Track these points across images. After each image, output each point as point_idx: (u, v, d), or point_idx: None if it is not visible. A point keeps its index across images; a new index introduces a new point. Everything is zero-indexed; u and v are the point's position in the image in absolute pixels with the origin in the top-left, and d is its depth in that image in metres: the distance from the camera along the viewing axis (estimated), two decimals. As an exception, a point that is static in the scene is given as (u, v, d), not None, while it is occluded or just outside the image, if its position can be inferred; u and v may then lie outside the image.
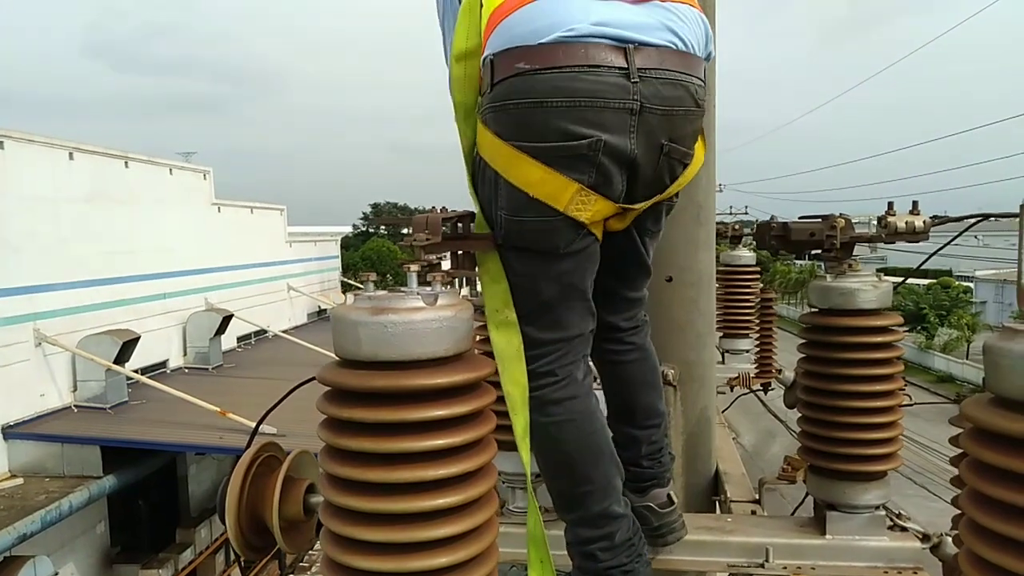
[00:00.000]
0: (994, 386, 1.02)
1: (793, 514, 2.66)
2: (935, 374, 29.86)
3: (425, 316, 1.08)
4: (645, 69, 1.37)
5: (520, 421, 1.50)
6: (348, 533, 1.11)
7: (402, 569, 1.08)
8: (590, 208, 1.46)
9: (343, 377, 1.10)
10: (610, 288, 1.74)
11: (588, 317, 1.62)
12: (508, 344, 1.52)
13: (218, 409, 9.31)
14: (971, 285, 37.55)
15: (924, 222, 2.00)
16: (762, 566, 2.02)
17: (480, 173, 1.53)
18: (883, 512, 2.03)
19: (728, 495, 2.62)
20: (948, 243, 2.28)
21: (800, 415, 2.12)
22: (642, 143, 1.41)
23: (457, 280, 1.50)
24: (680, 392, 2.79)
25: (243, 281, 15.10)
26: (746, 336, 4.52)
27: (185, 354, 13.02)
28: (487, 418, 1.18)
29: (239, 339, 14.98)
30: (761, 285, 4.39)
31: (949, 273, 38.98)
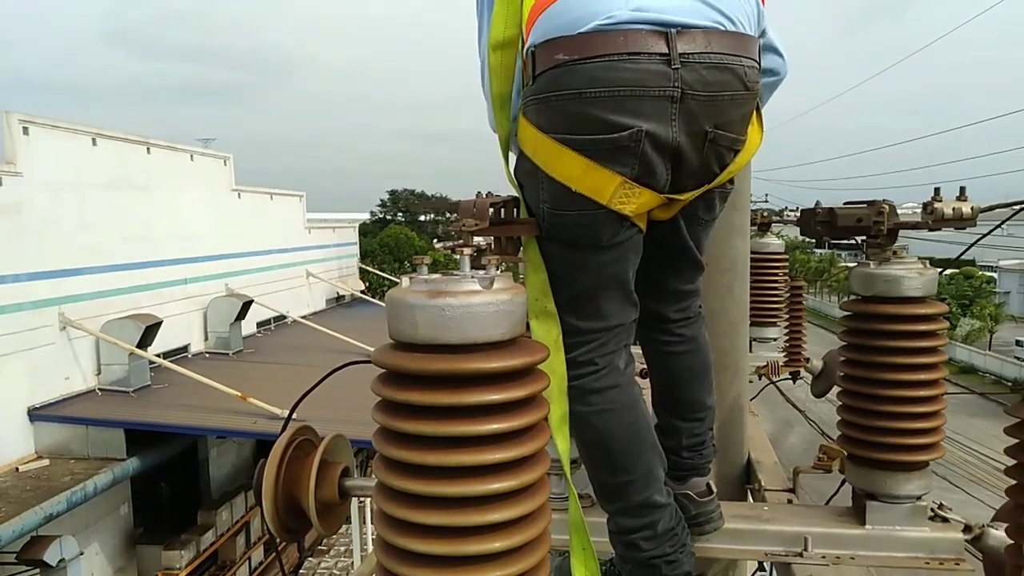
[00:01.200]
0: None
1: (827, 503, 2.64)
2: (957, 365, 29.58)
3: (483, 299, 1.07)
4: (688, 54, 1.33)
5: (556, 410, 1.50)
6: (403, 516, 1.11)
7: (457, 552, 1.08)
8: (634, 201, 1.44)
9: (400, 360, 1.10)
10: (658, 279, 1.72)
11: (629, 307, 1.60)
12: (547, 333, 1.52)
13: (239, 393, 9.39)
14: (995, 275, 37.11)
15: (972, 208, 1.96)
16: (800, 555, 2.00)
17: (521, 166, 1.51)
18: (924, 503, 2.00)
19: (762, 483, 2.60)
20: (993, 229, 2.24)
21: (840, 403, 2.09)
22: (684, 131, 1.37)
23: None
24: (715, 380, 2.77)
25: (263, 267, 15.19)
26: (775, 324, 4.48)
27: (206, 339, 13.13)
28: (541, 403, 1.17)
29: (259, 324, 15.09)
30: (791, 273, 4.34)
31: (972, 263, 38.51)
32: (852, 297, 2.05)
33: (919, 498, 1.99)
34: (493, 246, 1.56)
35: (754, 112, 1.52)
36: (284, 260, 16.25)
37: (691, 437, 1.86)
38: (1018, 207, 2.33)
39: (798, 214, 2.10)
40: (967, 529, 1.95)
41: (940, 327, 1.95)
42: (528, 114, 1.44)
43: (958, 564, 1.93)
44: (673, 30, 1.33)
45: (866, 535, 2.01)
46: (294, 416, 2.08)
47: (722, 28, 1.38)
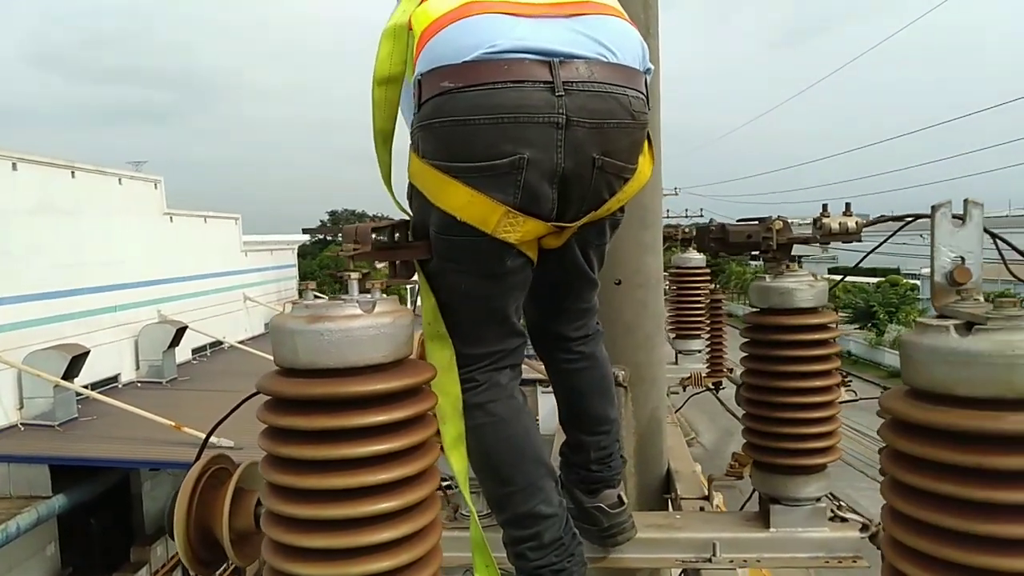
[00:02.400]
0: (909, 378, 1.07)
1: (742, 509, 2.72)
2: (885, 369, 30.68)
3: (362, 323, 1.09)
4: (572, 82, 1.36)
5: (450, 430, 1.53)
6: (290, 541, 1.11)
7: (344, 574, 1.09)
8: (519, 229, 1.45)
9: (281, 386, 1.11)
10: (555, 300, 1.75)
11: (511, 337, 1.64)
12: (441, 355, 1.55)
13: (173, 423, 9.10)
14: (918, 283, 38.72)
15: (856, 223, 2.07)
16: (709, 560, 2.06)
17: (411, 197, 1.54)
18: (824, 504, 2.09)
19: (679, 493, 2.67)
20: (883, 242, 2.36)
21: (744, 412, 2.17)
22: (571, 158, 1.39)
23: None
24: (631, 393, 2.83)
25: (197, 292, 14.82)
26: (698, 336, 4.60)
27: (138, 368, 12.72)
28: (427, 423, 1.19)
29: (194, 351, 14.69)
30: (712, 286, 4.48)
31: (897, 271, 40.13)
32: (751, 310, 2.14)
33: (819, 500, 2.08)
34: (388, 271, 1.58)
35: (644, 142, 1.56)
36: (220, 284, 15.89)
37: (598, 450, 1.90)
38: (907, 220, 2.47)
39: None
40: (864, 528, 2.05)
41: (831, 335, 2.05)
42: (415, 143, 1.47)
43: (855, 561, 2.02)
44: (556, 59, 1.36)
45: (770, 538, 2.08)
46: (216, 444, 2.05)
47: (605, 59, 1.42)
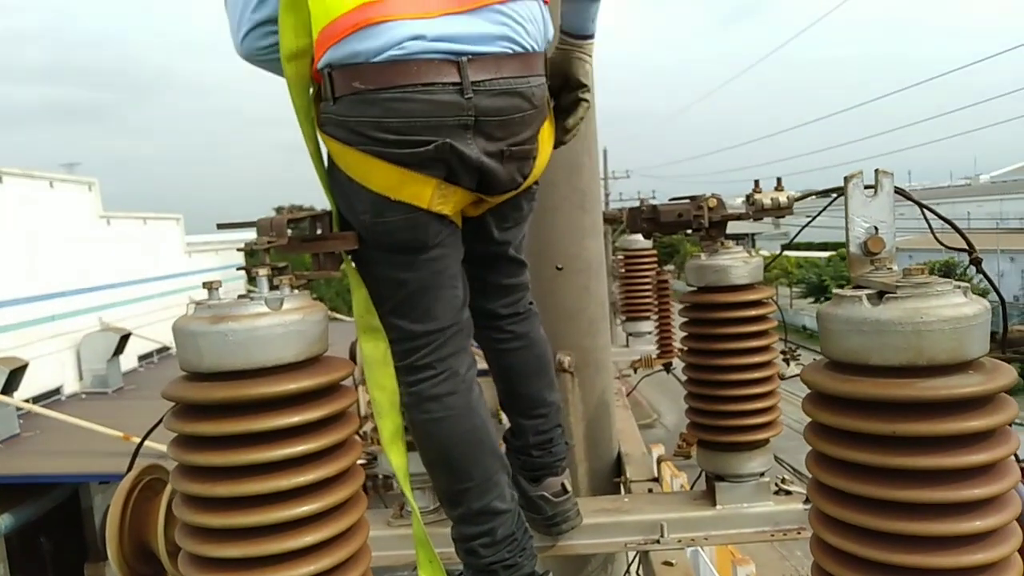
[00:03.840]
0: (827, 350, 1.06)
1: (692, 488, 2.75)
2: (837, 342, 31.46)
3: (269, 322, 1.05)
4: (480, 82, 1.37)
5: (388, 425, 1.50)
6: (205, 552, 1.07)
7: (264, 584, 1.05)
8: (451, 200, 1.48)
9: (186, 391, 1.06)
10: (478, 275, 1.74)
11: (459, 306, 1.61)
12: (375, 349, 1.52)
13: (121, 434, 8.83)
14: (864, 254, 39.61)
15: (788, 198, 2.08)
16: (657, 541, 2.07)
17: (334, 177, 1.49)
18: (768, 479, 2.11)
19: (628, 476, 2.67)
20: (814, 218, 2.38)
21: (686, 392, 2.18)
22: (483, 151, 1.42)
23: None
24: (577, 378, 2.83)
25: (140, 297, 14.39)
26: (648, 318, 4.63)
27: (81, 378, 12.29)
28: (347, 420, 1.15)
29: (140, 358, 14.27)
30: (659, 267, 4.50)
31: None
32: (689, 289, 2.14)
33: (762, 475, 2.10)
34: (312, 264, 1.53)
35: (547, 118, 1.57)
36: (163, 288, 15.44)
37: (537, 435, 1.88)
38: (835, 195, 2.50)
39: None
40: (807, 500, 2.07)
41: (767, 311, 2.06)
42: (329, 129, 1.43)
43: (800, 533, 2.04)
44: (464, 58, 1.36)
45: (717, 515, 2.09)
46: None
47: (510, 52, 1.43)
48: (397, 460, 1.55)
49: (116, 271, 13.74)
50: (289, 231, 1.52)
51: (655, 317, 4.47)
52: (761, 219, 2.12)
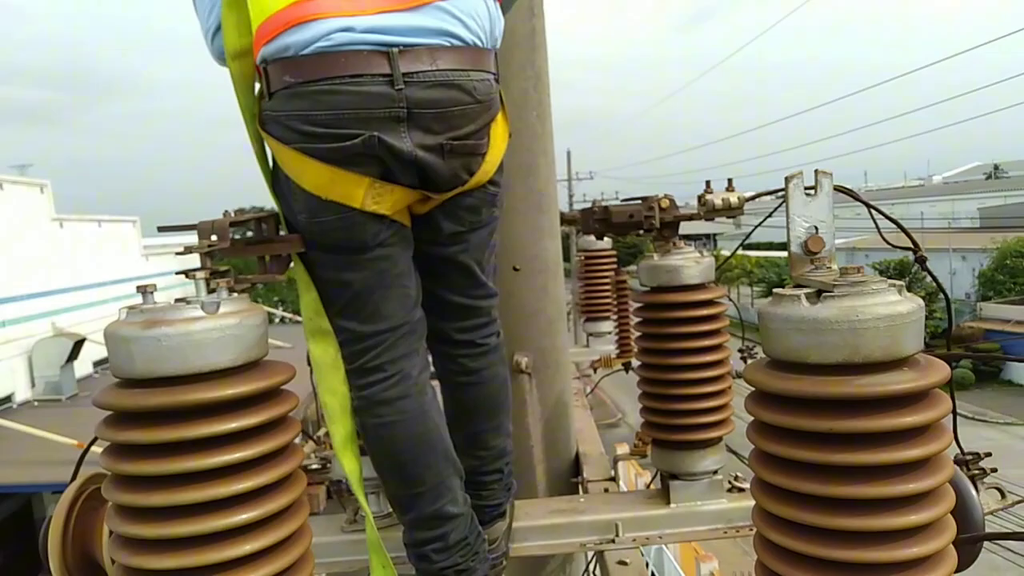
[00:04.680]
0: (768, 349, 1.07)
1: (649, 487, 2.76)
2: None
3: (205, 326, 1.02)
4: (413, 73, 1.34)
5: (340, 430, 1.47)
6: (139, 564, 1.03)
7: (202, 595, 1.02)
8: (388, 199, 1.44)
9: (118, 398, 1.03)
10: (432, 289, 1.68)
11: (411, 305, 1.58)
12: (324, 353, 1.49)
13: (75, 442, 8.61)
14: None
15: (739, 198, 2.10)
16: (612, 541, 2.07)
17: (276, 176, 1.47)
18: (721, 476, 2.13)
19: (585, 476, 2.67)
20: (765, 219, 2.41)
21: (639, 392, 2.19)
22: (419, 144, 1.39)
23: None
24: (535, 379, 2.82)
25: (94, 301, 14.05)
26: (607, 318, 4.65)
27: (33, 385, 11.97)
28: (288, 426, 1.13)
29: (95, 364, 13.92)
30: (616, 268, 4.52)
31: (804, 244, 41.75)
32: (642, 289, 2.15)
33: (715, 472, 2.12)
34: (257, 267, 1.50)
35: (497, 117, 1.54)
36: (119, 292, 15.07)
37: (471, 475, 1.78)
38: (782, 197, 2.53)
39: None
40: (760, 496, 2.09)
41: (718, 310, 2.08)
42: (268, 127, 1.41)
43: (752, 529, 2.06)
44: (395, 49, 1.34)
45: (671, 514, 2.10)
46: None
47: (448, 45, 1.40)
48: (350, 465, 1.52)
49: (70, 275, 13.40)
50: (236, 234, 1.49)
51: (614, 317, 4.49)
52: (713, 219, 2.14)
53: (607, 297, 4.56)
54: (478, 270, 1.70)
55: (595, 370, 4.39)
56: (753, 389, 1.11)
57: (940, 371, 1.01)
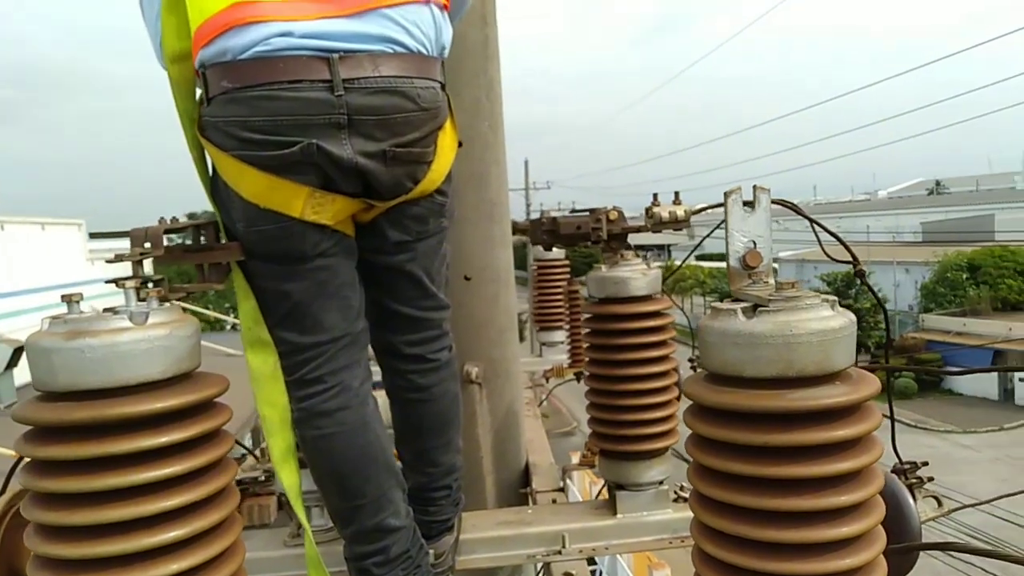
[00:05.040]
0: (705, 362, 1.08)
1: (597, 498, 2.77)
2: (748, 349, 32.61)
3: (132, 337, 0.99)
4: (354, 79, 1.32)
5: (279, 443, 1.45)
6: (61, 586, 0.99)
7: (127, 617, 0.98)
8: (329, 208, 1.42)
9: (39, 412, 0.99)
10: (373, 298, 1.66)
11: (353, 316, 1.56)
12: (263, 363, 1.46)
13: (13, 453, 8.29)
14: (776, 265, 41.35)
15: (684, 211, 2.13)
16: (559, 553, 2.07)
17: (215, 184, 1.44)
18: (667, 486, 2.14)
19: (534, 487, 2.67)
20: (712, 231, 2.45)
21: (587, 402, 2.19)
22: (360, 151, 1.37)
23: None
24: (486, 389, 2.81)
25: (36, 307, 13.58)
26: (560, 328, 4.67)
27: (-31, 393, 11.50)
28: (220, 440, 1.10)
29: (37, 371, 13.47)
30: (569, 278, 4.55)
31: (756, 256, 42.65)
32: (590, 299, 2.16)
33: (661, 483, 2.13)
34: (197, 275, 1.46)
35: (445, 125, 1.53)
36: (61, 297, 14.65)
37: (418, 490, 1.77)
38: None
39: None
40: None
41: (665, 321, 2.10)
42: (207, 133, 1.38)
43: (695, 541, 2.08)
44: (336, 55, 1.32)
45: (617, 524, 2.11)
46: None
47: (391, 52, 1.38)
48: (288, 479, 1.49)
49: (10, 280, 12.94)
50: (186, 239, 1.46)
51: (567, 327, 4.51)
52: (660, 231, 2.17)
53: (560, 307, 4.58)
54: (427, 280, 1.67)
55: (547, 379, 4.40)
56: (690, 402, 1.12)
57: (871, 385, 1.03)
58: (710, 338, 1.05)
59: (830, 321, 1.00)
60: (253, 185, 1.35)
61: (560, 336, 4.66)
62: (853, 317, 1.03)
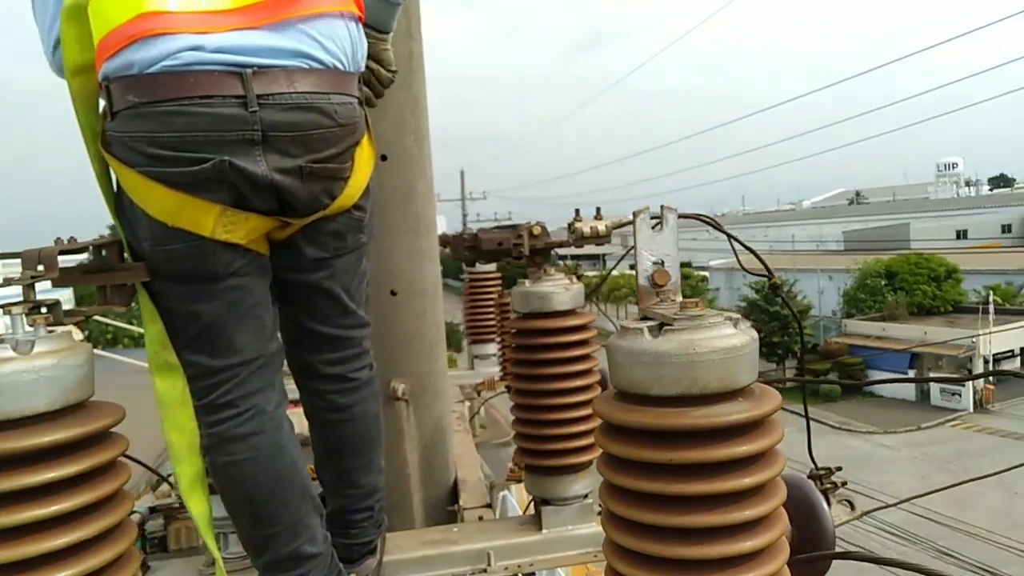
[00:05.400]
0: (615, 381, 1.09)
1: (524, 513, 2.77)
2: (683, 356, 33.38)
3: (14, 368, 0.94)
4: (268, 95, 1.30)
5: (187, 470, 1.40)
6: (-65, 635, 0.93)
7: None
8: (242, 227, 1.38)
9: (-90, 449, 0.92)
10: (290, 316, 1.63)
11: (266, 337, 1.52)
12: (171, 388, 1.41)
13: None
14: (707, 274, 42.53)
15: (605, 226, 2.16)
16: (485, 571, 2.05)
17: (119, 201, 1.39)
18: (591, 500, 2.16)
19: (462, 503, 2.65)
20: (630, 249, 2.50)
21: (513, 418, 2.19)
22: (276, 168, 1.34)
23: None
24: (413, 405, 2.78)
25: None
26: (492, 340, 4.67)
27: None
28: (115, 472, 1.05)
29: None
30: (500, 291, 4.55)
31: (689, 264, 43.89)
32: (514, 315, 2.17)
33: (586, 496, 2.15)
34: (97, 298, 1.40)
35: (362, 141, 1.51)
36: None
37: (338, 513, 1.75)
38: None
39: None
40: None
41: (588, 336, 2.12)
42: (111, 148, 1.33)
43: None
44: (249, 70, 1.29)
45: (543, 540, 2.11)
46: None
47: (307, 67, 1.36)
48: (197, 508, 1.44)
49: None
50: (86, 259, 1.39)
51: (499, 339, 4.51)
52: (582, 247, 2.19)
53: (492, 319, 4.58)
54: (346, 298, 1.64)
55: (478, 393, 4.39)
56: (600, 421, 1.12)
57: (773, 400, 1.06)
58: (618, 357, 1.06)
59: (732, 339, 1.02)
60: (161, 203, 1.31)
61: (492, 348, 4.66)
62: (755, 334, 1.06)
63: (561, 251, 2.25)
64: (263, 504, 1.48)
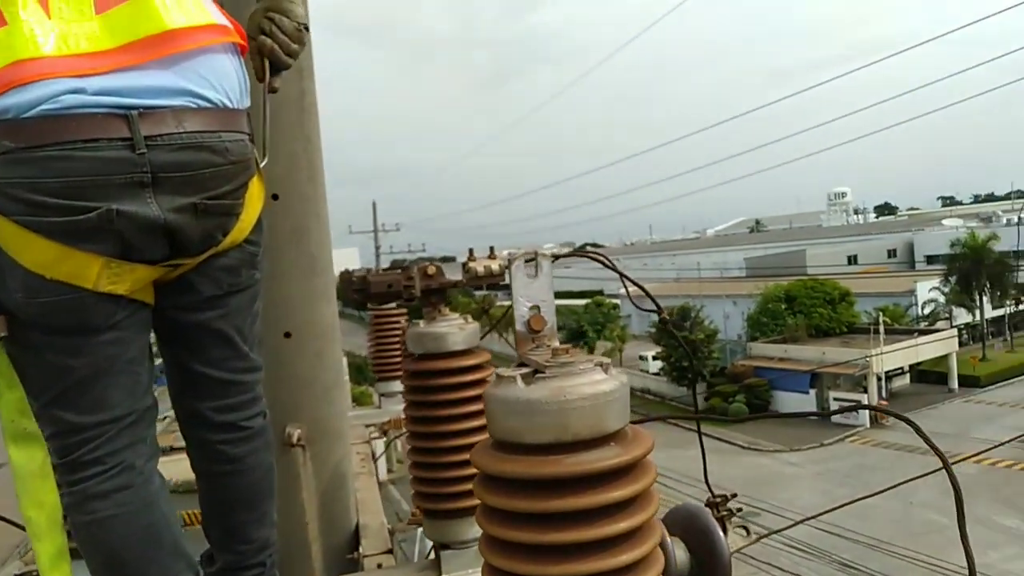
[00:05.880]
0: (491, 430, 1.08)
1: (427, 557, 2.71)
2: (597, 383, 34.00)
3: None
4: (156, 136, 1.26)
5: (47, 548, 1.31)
6: None
7: None
8: (127, 278, 1.33)
9: None
10: (177, 359, 1.56)
11: (139, 392, 1.44)
12: (30, 460, 1.33)
13: None
14: (618, 302, 43.51)
15: (499, 265, 2.17)
16: (382, 620, 1.99)
17: None
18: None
19: (362, 550, 2.57)
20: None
21: (409, 462, 2.15)
22: (169, 208, 1.29)
23: None
24: (310, 451, 2.69)
25: None
26: (398, 378, 4.59)
27: None
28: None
29: None
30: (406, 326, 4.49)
31: (601, 292, 44.76)
32: (409, 356, 2.14)
33: (486, 538, 2.12)
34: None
35: (253, 177, 1.49)
36: None
37: (231, 570, 1.67)
38: (562, 256, 2.66)
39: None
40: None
41: (484, 375, 2.11)
42: None
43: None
44: (135, 112, 1.24)
45: (442, 585, 2.07)
46: None
47: (195, 106, 1.33)
48: None
49: None
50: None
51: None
52: (477, 287, 2.19)
53: (397, 356, 4.51)
54: (239, 339, 1.59)
55: (385, 432, 4.30)
56: (477, 471, 1.11)
57: (644, 443, 1.07)
58: (494, 406, 1.05)
59: (601, 385, 1.03)
60: (39, 254, 1.23)
61: (399, 386, 4.58)
62: (625, 379, 1.07)
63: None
64: (131, 564, 1.39)
